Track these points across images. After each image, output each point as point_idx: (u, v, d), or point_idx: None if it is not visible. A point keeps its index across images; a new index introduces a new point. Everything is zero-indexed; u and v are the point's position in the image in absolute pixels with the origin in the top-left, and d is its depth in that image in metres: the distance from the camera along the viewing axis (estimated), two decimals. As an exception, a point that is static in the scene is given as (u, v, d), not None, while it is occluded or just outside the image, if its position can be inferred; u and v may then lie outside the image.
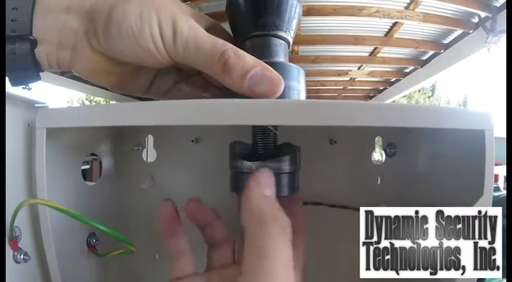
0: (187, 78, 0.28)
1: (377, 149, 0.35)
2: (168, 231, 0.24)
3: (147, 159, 0.37)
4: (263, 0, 0.23)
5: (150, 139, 0.36)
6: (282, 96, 0.21)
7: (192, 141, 0.36)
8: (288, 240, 0.18)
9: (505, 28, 2.03)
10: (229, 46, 0.21)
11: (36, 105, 0.27)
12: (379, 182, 0.34)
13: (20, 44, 0.20)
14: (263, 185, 0.20)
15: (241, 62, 0.20)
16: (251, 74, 0.20)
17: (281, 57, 0.24)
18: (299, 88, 0.24)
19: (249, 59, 0.21)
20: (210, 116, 0.19)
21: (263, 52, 0.24)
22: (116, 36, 0.21)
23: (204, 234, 0.25)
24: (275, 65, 0.22)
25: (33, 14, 0.20)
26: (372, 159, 0.34)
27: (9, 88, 0.23)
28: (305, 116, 0.19)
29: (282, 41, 0.25)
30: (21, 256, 0.26)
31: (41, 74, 0.23)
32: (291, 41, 0.25)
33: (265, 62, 0.22)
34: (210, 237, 0.25)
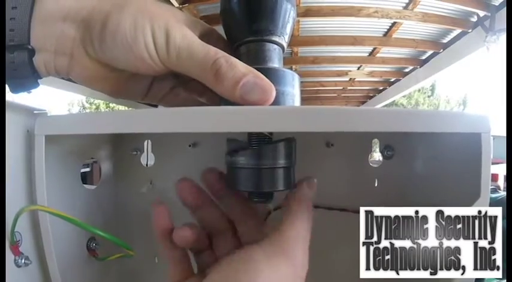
0: (184, 83, 0.28)
1: (377, 150, 0.35)
2: (163, 236, 0.24)
3: (146, 164, 0.37)
4: (257, 5, 0.23)
5: (148, 144, 0.37)
6: (276, 102, 0.22)
7: (190, 145, 0.36)
8: (309, 223, 0.23)
9: (504, 27, 2.04)
10: (221, 54, 0.21)
11: (35, 111, 0.28)
12: (376, 184, 0.34)
13: (19, 53, 0.20)
14: (311, 188, 0.25)
15: (232, 71, 0.21)
16: (243, 83, 0.20)
17: (275, 62, 0.25)
18: (293, 93, 0.24)
19: (240, 67, 0.21)
20: (207, 124, 0.20)
21: (257, 57, 0.24)
22: (111, 44, 0.21)
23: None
24: (269, 71, 0.22)
25: (31, 23, 0.20)
26: (372, 159, 0.34)
27: (8, 93, 0.23)
28: (301, 122, 0.19)
29: (276, 46, 0.25)
30: (23, 260, 0.26)
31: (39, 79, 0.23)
32: (285, 45, 0.25)
33: (260, 68, 0.22)
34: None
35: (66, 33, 0.21)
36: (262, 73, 0.21)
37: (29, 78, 0.21)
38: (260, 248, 0.21)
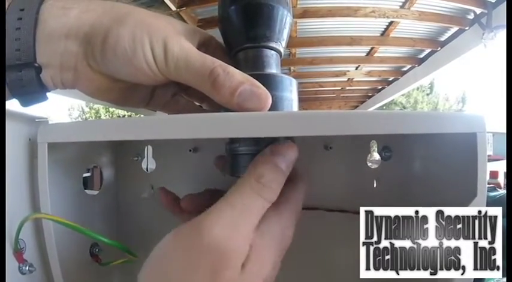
0: (185, 90, 0.29)
1: (376, 149, 0.35)
2: (173, 210, 0.27)
3: (147, 169, 0.38)
4: (254, 12, 0.23)
5: (149, 149, 0.37)
6: (274, 107, 0.22)
7: (190, 150, 0.36)
8: (259, 211, 0.20)
9: (501, 24, 2.04)
10: (218, 63, 0.22)
11: (36, 120, 0.28)
12: (375, 185, 0.34)
13: (26, 71, 0.21)
14: (277, 154, 0.21)
15: (229, 80, 0.21)
16: (239, 91, 0.21)
17: (273, 68, 0.25)
18: (291, 98, 0.24)
19: (237, 76, 0.21)
20: (208, 130, 0.20)
21: (255, 64, 0.24)
22: (112, 57, 0.22)
23: None
24: (267, 77, 0.23)
25: (35, 42, 0.20)
26: (372, 158, 0.34)
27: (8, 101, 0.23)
28: (299, 127, 0.20)
29: (273, 52, 0.25)
30: (27, 267, 0.26)
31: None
32: (282, 51, 0.26)
33: (258, 74, 0.22)
34: None
35: (70, 49, 0.22)
36: (260, 79, 0.22)
37: (38, 93, 0.22)
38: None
